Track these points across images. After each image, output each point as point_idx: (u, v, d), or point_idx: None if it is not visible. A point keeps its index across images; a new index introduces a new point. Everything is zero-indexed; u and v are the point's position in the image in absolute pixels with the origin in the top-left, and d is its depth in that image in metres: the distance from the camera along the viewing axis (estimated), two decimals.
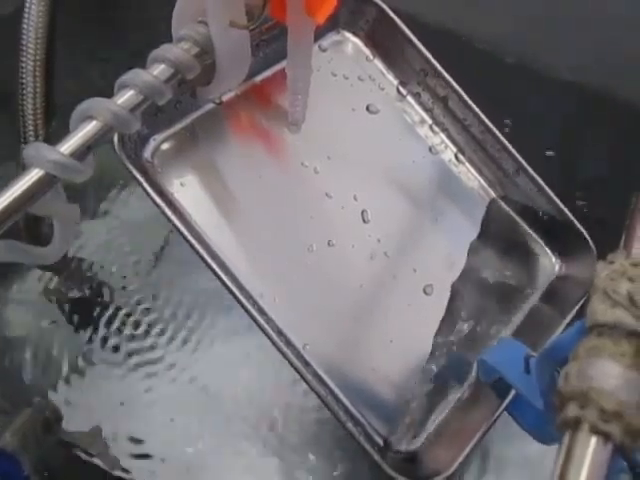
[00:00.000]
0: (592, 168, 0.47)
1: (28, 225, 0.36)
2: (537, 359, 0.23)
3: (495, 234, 0.39)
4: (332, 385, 0.31)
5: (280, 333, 0.31)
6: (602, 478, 0.17)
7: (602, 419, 0.16)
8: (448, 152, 0.40)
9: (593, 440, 0.17)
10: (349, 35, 0.40)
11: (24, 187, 0.24)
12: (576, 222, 0.39)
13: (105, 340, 0.39)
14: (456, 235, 0.38)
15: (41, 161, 0.24)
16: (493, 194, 0.40)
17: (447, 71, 0.39)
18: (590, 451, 0.17)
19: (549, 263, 0.40)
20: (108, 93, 0.26)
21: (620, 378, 0.17)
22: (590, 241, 0.38)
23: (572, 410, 0.17)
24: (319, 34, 0.39)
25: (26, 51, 0.35)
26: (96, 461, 0.35)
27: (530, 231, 0.40)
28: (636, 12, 0.50)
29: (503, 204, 0.40)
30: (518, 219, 0.40)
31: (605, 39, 0.49)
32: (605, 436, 0.17)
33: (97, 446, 0.36)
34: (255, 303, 0.31)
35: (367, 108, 0.39)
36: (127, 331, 0.39)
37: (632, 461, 0.19)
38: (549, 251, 0.40)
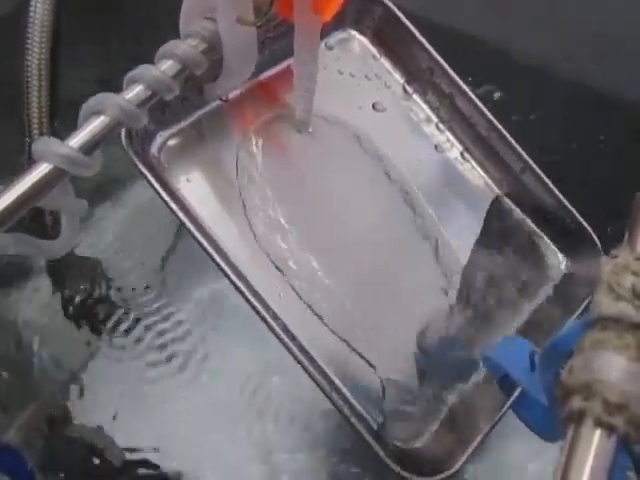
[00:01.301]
0: (596, 166, 0.47)
1: (36, 219, 0.36)
2: (541, 355, 0.23)
3: (501, 232, 0.39)
4: (337, 381, 0.31)
5: (285, 329, 0.31)
6: (606, 471, 0.17)
7: (606, 411, 0.16)
8: (454, 150, 0.40)
9: (597, 433, 0.17)
10: (355, 33, 0.40)
11: (33, 181, 0.25)
12: (582, 220, 0.39)
13: (113, 339, 0.39)
14: (461, 232, 0.38)
15: (50, 155, 0.25)
16: (499, 192, 0.40)
17: (453, 69, 0.39)
18: (594, 444, 0.17)
19: (556, 261, 0.40)
20: (112, 91, 0.27)
21: (624, 370, 0.17)
22: (597, 240, 0.38)
23: (576, 402, 0.17)
24: (326, 32, 0.39)
25: (31, 50, 0.35)
26: (101, 456, 0.35)
27: (536, 229, 0.40)
28: (636, 12, 0.50)
29: (509, 202, 0.40)
30: (524, 217, 0.40)
31: (606, 39, 0.49)
32: (609, 428, 0.16)
33: (102, 441, 0.36)
34: (260, 298, 0.31)
35: (373, 106, 0.39)
36: (135, 329, 0.40)
37: (637, 456, 0.19)
38: (556, 249, 0.40)
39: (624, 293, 0.18)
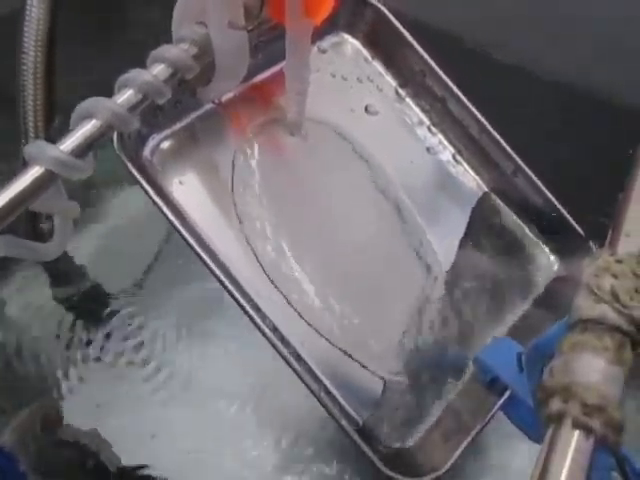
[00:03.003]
0: (591, 167, 0.47)
1: (28, 222, 0.36)
2: (525, 356, 0.23)
3: (491, 233, 0.39)
4: (327, 382, 0.31)
5: (276, 331, 0.31)
6: (584, 472, 0.17)
7: (584, 413, 0.17)
8: (446, 153, 0.40)
9: (575, 434, 0.17)
10: (348, 37, 0.40)
11: (25, 184, 0.25)
12: (574, 222, 0.39)
13: (106, 340, 0.39)
14: (454, 234, 0.38)
15: (42, 158, 0.25)
16: (486, 189, 0.40)
17: (445, 72, 0.39)
18: (572, 445, 0.17)
19: (547, 263, 0.40)
20: (108, 93, 0.27)
21: (602, 372, 0.17)
22: (589, 241, 0.38)
23: (555, 404, 0.17)
24: (318, 35, 0.39)
25: (27, 52, 0.35)
26: (95, 459, 0.35)
27: (528, 231, 0.40)
28: (636, 12, 0.50)
29: (501, 203, 0.40)
30: (516, 219, 0.40)
31: (605, 39, 0.50)
32: (587, 430, 0.17)
33: (96, 444, 0.36)
34: (251, 301, 0.31)
35: (366, 109, 0.40)
36: (126, 330, 0.40)
37: (619, 456, 0.19)
38: (547, 251, 0.40)
39: (604, 295, 0.18)
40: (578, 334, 0.18)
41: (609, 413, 0.16)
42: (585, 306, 0.18)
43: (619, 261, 0.18)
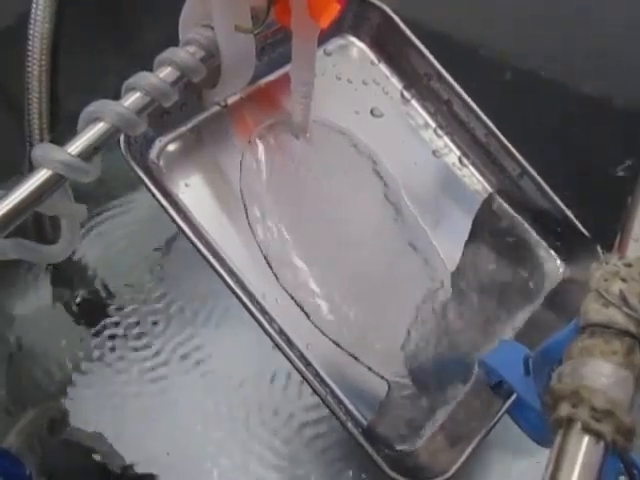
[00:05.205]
0: (596, 169, 0.47)
1: (36, 224, 0.36)
2: (533, 359, 0.23)
3: (497, 236, 0.39)
4: (332, 385, 0.31)
5: (282, 333, 0.31)
6: (595, 477, 0.17)
7: (594, 418, 0.17)
8: (452, 155, 0.40)
9: (585, 439, 0.17)
10: (354, 39, 0.41)
11: (32, 187, 0.25)
12: (579, 225, 0.39)
13: (110, 341, 0.39)
14: (459, 237, 0.38)
15: (49, 161, 0.25)
16: (491, 190, 0.40)
17: (451, 75, 0.39)
18: (582, 450, 0.17)
19: (554, 267, 0.40)
20: (114, 97, 0.27)
21: (611, 377, 0.17)
22: (596, 243, 0.38)
23: (564, 409, 0.17)
24: (324, 38, 0.39)
25: (32, 56, 0.36)
26: (100, 461, 0.36)
27: (534, 234, 0.40)
28: (636, 13, 0.50)
29: (507, 206, 0.40)
30: (523, 222, 0.40)
31: (605, 39, 0.50)
32: (597, 435, 0.17)
33: (101, 446, 0.36)
34: (257, 303, 0.31)
35: (371, 112, 0.40)
36: (132, 332, 0.40)
37: (628, 461, 0.19)
38: (554, 255, 0.40)
39: (613, 299, 0.18)
40: (587, 338, 0.18)
41: (618, 418, 0.16)
42: (594, 310, 0.18)
43: (628, 265, 0.18)
